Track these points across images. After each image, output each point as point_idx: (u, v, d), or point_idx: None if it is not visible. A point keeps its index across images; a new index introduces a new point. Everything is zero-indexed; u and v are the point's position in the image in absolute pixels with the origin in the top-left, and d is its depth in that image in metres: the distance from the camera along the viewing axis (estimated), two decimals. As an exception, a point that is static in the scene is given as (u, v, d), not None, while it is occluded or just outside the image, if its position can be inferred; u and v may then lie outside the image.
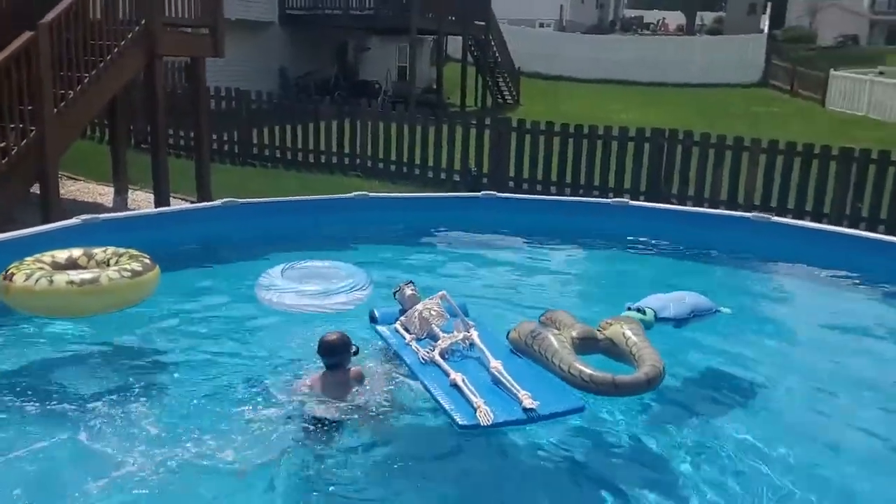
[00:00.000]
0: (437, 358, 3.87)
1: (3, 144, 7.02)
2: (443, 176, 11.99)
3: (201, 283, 5.85)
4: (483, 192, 8.42)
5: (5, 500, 3.09)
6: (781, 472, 3.44)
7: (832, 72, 24.28)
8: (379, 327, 4.45)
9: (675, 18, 46.76)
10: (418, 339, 4.12)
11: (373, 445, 3.58)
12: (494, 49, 24.11)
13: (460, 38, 23.20)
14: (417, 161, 12.16)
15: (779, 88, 26.86)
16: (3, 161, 6.95)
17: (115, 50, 7.92)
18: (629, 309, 4.45)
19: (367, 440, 3.59)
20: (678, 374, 4.27)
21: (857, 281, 6.39)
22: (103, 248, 4.77)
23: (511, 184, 11.35)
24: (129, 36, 8.09)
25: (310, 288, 4.59)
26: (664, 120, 16.02)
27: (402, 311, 4.44)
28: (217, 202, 7.08)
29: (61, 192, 8.29)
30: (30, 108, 7.14)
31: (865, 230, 8.83)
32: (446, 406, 3.49)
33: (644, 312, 4.36)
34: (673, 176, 10.50)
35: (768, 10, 36.09)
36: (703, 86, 27.61)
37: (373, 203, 7.90)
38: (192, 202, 9.20)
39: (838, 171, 9.62)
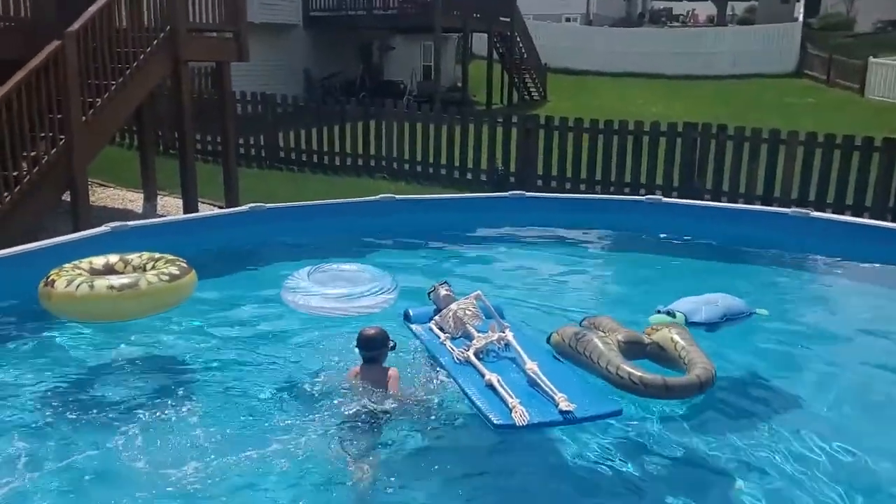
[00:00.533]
0: (472, 358, 3.78)
1: (33, 153, 7.07)
2: (469, 175, 11.87)
3: (229, 288, 5.82)
4: (511, 192, 8.29)
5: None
6: (829, 483, 3.27)
7: (871, 59, 23.61)
8: (413, 326, 4.41)
9: (704, 9, 45.96)
10: (453, 339, 4.05)
11: (407, 444, 3.54)
12: (520, 45, 23.89)
13: (485, 35, 23.04)
14: (444, 161, 12.06)
15: (814, 78, 26.21)
16: (34, 170, 6.99)
17: (141, 57, 7.94)
18: (658, 312, 4.33)
19: (402, 438, 3.55)
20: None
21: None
22: (139, 254, 4.84)
23: (539, 182, 11.20)
24: (155, 42, 8.11)
25: (335, 291, 4.60)
26: (695, 113, 15.72)
27: (437, 311, 4.37)
28: (244, 207, 7.04)
29: (92, 199, 8.37)
30: (58, 116, 7.18)
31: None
32: (481, 405, 3.40)
33: (674, 316, 4.25)
34: (706, 171, 10.26)
35: (803, -2, 35.30)
36: (734, 77, 27.07)
37: (399, 205, 7.83)
38: (221, 207, 9.22)
39: (881, 162, 9.30)
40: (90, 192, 8.30)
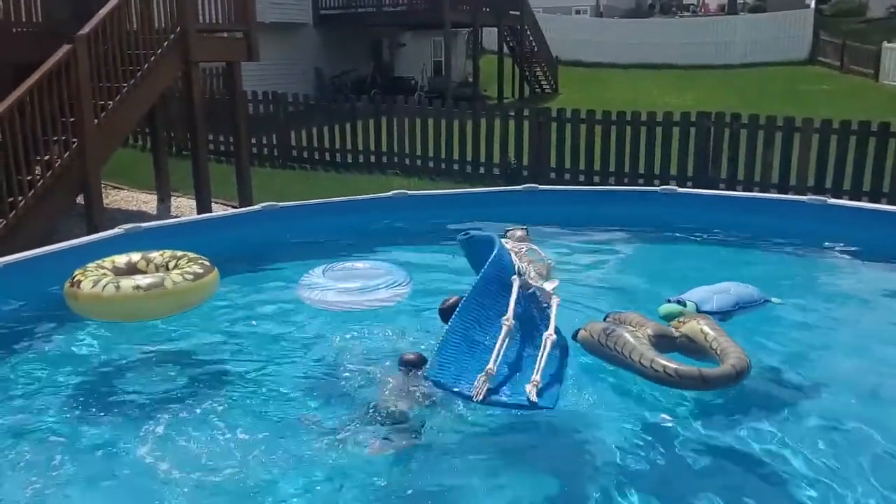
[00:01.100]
0: (515, 286, 3.68)
1: (46, 157, 7.11)
2: (482, 170, 11.84)
3: (245, 287, 5.82)
4: (524, 186, 8.24)
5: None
6: (848, 477, 3.23)
7: (885, 44, 23.33)
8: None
9: (715, -2, 45.68)
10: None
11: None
12: (530, 38, 23.80)
13: (495, 29, 22.96)
14: (456, 156, 12.03)
15: (828, 65, 25.94)
16: (48, 174, 7.04)
17: (152, 58, 7.96)
18: (669, 301, 4.28)
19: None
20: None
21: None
22: (160, 252, 4.86)
23: (552, 175, 11.16)
24: (165, 44, 8.13)
25: (350, 285, 4.68)
26: (708, 103, 15.59)
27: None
28: (257, 206, 7.05)
29: (106, 201, 8.42)
30: (71, 120, 7.22)
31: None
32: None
33: (684, 305, 4.20)
34: (721, 160, 10.17)
35: (814, -16, 34.93)
36: (747, 66, 26.85)
37: (413, 201, 7.81)
38: (234, 207, 9.24)
39: (897, 148, 9.20)
40: (104, 195, 8.35)
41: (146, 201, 10.36)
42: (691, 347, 3.80)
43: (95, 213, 7.46)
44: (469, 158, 11.93)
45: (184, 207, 9.79)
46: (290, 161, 13.15)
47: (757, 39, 28.20)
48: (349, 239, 6.73)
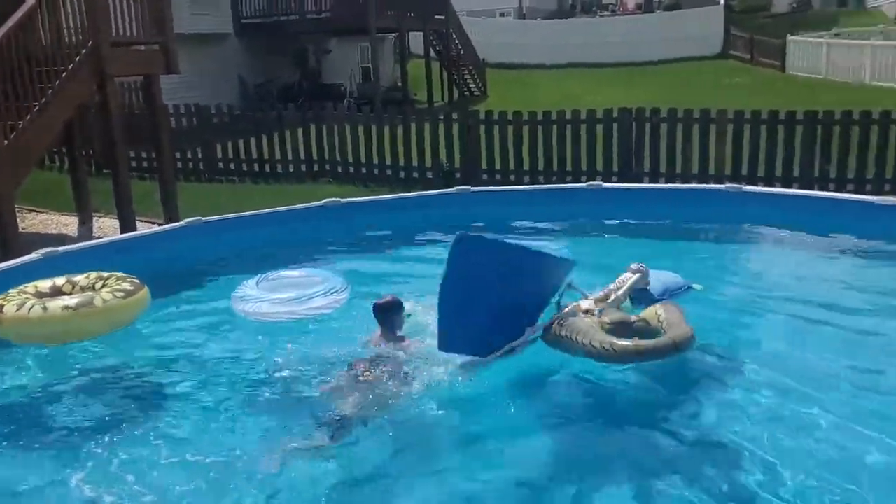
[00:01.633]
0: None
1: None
2: (415, 174, 11.87)
3: (175, 304, 5.72)
4: (456, 188, 8.33)
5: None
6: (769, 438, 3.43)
7: (789, 37, 24.41)
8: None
9: (633, -3, 46.87)
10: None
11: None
12: (457, 42, 23.98)
13: (421, 33, 23.05)
14: (388, 161, 12.03)
15: (739, 58, 26.97)
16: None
17: (63, 75, 7.71)
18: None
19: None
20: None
21: (830, 241, 6.40)
22: (85, 274, 4.79)
23: (484, 176, 11.27)
24: (78, 59, 7.88)
25: (285, 295, 4.67)
26: (631, 99, 15.92)
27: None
28: (181, 223, 6.92)
29: (22, 225, 8.12)
30: (-21, 142, 6.93)
31: (835, 191, 8.86)
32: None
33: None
34: (644, 154, 10.45)
35: (724, -18, 36.22)
36: (666, 62, 27.65)
37: (345, 209, 7.80)
38: (160, 224, 9.02)
39: (804, 134, 9.62)
40: (20, 219, 8.05)
41: (67, 224, 10.01)
42: (648, 331, 3.99)
43: (10, 238, 7.16)
44: (402, 163, 11.94)
45: (107, 228, 9.50)
46: (218, 174, 12.91)
47: (673, 36, 29.11)
48: (282, 250, 6.67)
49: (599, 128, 10.63)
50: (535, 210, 7.80)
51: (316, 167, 12.45)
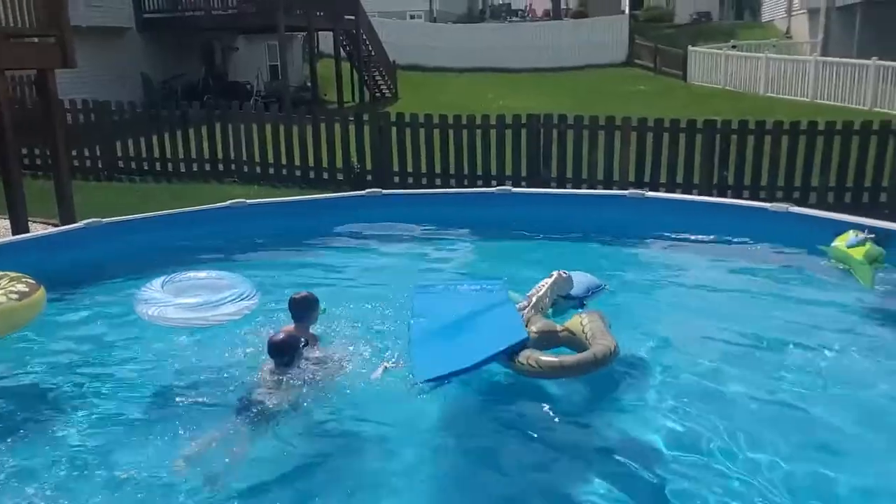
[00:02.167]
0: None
1: None
2: (326, 175, 11.74)
3: (75, 308, 5.48)
4: (368, 190, 8.29)
5: None
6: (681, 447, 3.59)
7: (690, 48, 25.52)
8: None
9: (541, 3, 47.88)
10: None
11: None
12: (367, 43, 23.87)
13: (331, 33, 22.82)
14: (297, 162, 11.85)
15: (644, 67, 27.97)
16: None
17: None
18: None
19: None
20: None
21: (725, 245, 6.74)
22: None
23: (396, 178, 11.26)
24: (-37, 50, 7.40)
25: (193, 300, 4.43)
26: (540, 104, 16.30)
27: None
28: (79, 224, 6.61)
29: None
30: None
31: (732, 197, 9.33)
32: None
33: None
34: (551, 159, 10.70)
35: (628, -8, 37.59)
36: (574, 69, 28.38)
37: (251, 210, 7.64)
38: (56, 225, 8.57)
39: (704, 143, 10.07)
40: None
41: (-49, 223, 9.37)
42: (573, 340, 4.01)
43: None
44: (311, 164, 11.79)
45: (-3, 228, 8.95)
46: (118, 173, 12.38)
47: (581, 43, 29.94)
48: (185, 252, 6.46)
49: (509, 133, 10.81)
50: (445, 213, 7.87)
51: (221, 167, 12.13)
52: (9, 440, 3.54)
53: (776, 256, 6.36)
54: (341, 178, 11.62)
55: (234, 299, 4.47)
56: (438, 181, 11.14)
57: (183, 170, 12.21)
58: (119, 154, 12.41)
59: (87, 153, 12.38)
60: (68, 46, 8.59)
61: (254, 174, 11.99)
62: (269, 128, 11.87)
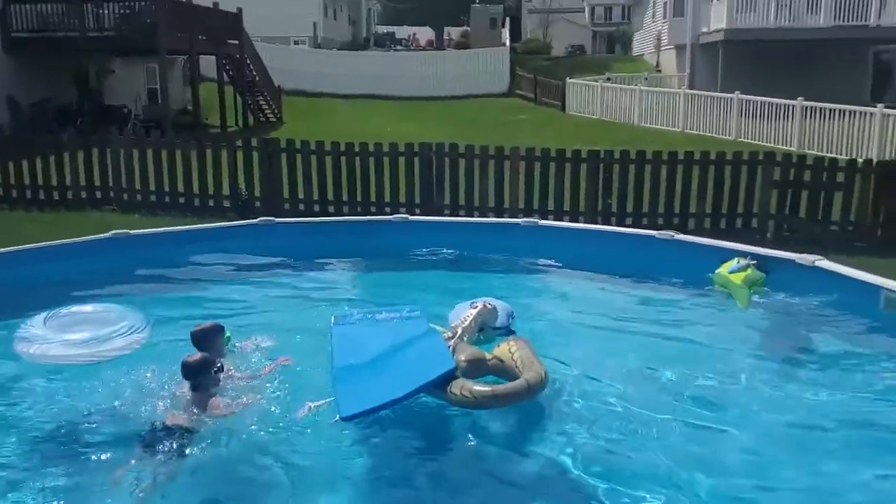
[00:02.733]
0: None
1: None
2: (211, 203, 11.36)
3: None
4: (260, 219, 8.11)
5: None
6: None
7: (568, 80, 26.67)
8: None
9: (424, 34, 48.74)
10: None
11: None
12: (251, 67, 23.44)
13: (213, 57, 22.27)
14: (181, 189, 11.40)
15: (525, 97, 28.92)
16: None
17: None
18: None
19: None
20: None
21: (617, 271, 7.05)
22: None
23: (287, 206, 11.05)
24: None
25: (79, 336, 4.21)
26: (426, 133, 16.52)
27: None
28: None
29: None
30: None
31: (616, 223, 9.78)
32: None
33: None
34: (444, 187, 10.84)
35: (507, 25, 38.84)
36: (457, 98, 28.99)
37: (135, 241, 7.31)
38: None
39: (588, 172, 10.49)
40: None
41: None
42: (503, 368, 4.02)
43: None
44: (196, 191, 11.38)
45: None
46: (-17, 201, 11.51)
47: (464, 73, 30.67)
48: (65, 288, 6.06)
49: (401, 161, 10.87)
50: (340, 242, 7.82)
51: (99, 194, 11.51)
52: None
53: (663, 282, 6.70)
54: (227, 206, 11.28)
55: (123, 333, 4.30)
56: (331, 209, 11.03)
57: (57, 198, 11.49)
58: (-16, 181, 11.53)
59: (-55, 180, 11.43)
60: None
61: (134, 202, 11.44)
62: (150, 153, 11.39)
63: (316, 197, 11.10)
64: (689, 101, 21.29)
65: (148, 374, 4.30)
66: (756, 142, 18.11)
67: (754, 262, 5.92)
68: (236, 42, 22.57)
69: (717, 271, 6.07)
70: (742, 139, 18.76)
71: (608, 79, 26.50)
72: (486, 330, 4.52)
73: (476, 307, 4.51)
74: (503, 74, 30.89)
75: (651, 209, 10.28)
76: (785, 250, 6.64)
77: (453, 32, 47.67)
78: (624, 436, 3.91)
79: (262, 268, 7.27)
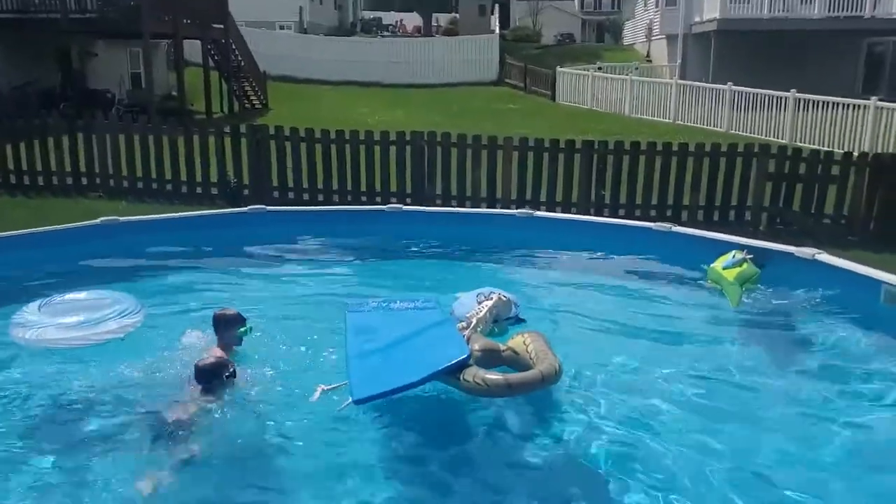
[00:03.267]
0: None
1: None
2: (199, 190, 11.19)
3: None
4: (251, 207, 8.00)
5: None
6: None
7: (559, 69, 26.52)
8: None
9: (411, 20, 48.47)
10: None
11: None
12: (236, 52, 23.16)
13: (198, 41, 21.98)
14: (168, 176, 11.21)
15: (514, 86, 28.78)
16: None
17: None
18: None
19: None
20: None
21: (614, 262, 7.06)
22: None
23: (276, 194, 10.90)
24: None
25: (73, 319, 4.31)
26: (415, 121, 16.41)
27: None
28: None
29: None
30: None
31: (609, 216, 9.73)
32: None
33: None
34: (435, 177, 10.73)
35: (496, 12, 38.66)
36: (446, 85, 28.81)
37: (124, 228, 7.20)
38: None
39: (582, 162, 10.42)
40: None
41: None
42: (517, 360, 4.03)
43: None
44: (183, 178, 11.19)
45: None
46: (-35, 186, 11.27)
47: (453, 61, 30.48)
48: (54, 276, 5.98)
49: (392, 149, 10.75)
50: (333, 230, 7.77)
51: (85, 181, 11.30)
52: None
53: (659, 273, 6.67)
54: (215, 193, 11.12)
55: (115, 316, 4.37)
56: (320, 197, 10.90)
57: (42, 183, 11.27)
58: (-35, 166, 11.29)
59: (-74, 165, 11.18)
60: None
61: (120, 189, 11.24)
62: (136, 139, 11.19)
63: (306, 185, 10.97)
64: (680, 92, 21.24)
65: (145, 361, 4.30)
66: (748, 134, 18.09)
67: (751, 256, 5.86)
68: (221, 26, 22.27)
69: (711, 265, 6.01)
70: (734, 131, 18.74)
71: (600, 68, 26.38)
72: (500, 322, 4.52)
73: (491, 298, 4.50)
74: (492, 62, 30.71)
75: (644, 200, 10.23)
76: (778, 243, 6.64)
77: (441, 19, 47.44)
78: (629, 430, 3.90)
79: (250, 258, 7.19)
